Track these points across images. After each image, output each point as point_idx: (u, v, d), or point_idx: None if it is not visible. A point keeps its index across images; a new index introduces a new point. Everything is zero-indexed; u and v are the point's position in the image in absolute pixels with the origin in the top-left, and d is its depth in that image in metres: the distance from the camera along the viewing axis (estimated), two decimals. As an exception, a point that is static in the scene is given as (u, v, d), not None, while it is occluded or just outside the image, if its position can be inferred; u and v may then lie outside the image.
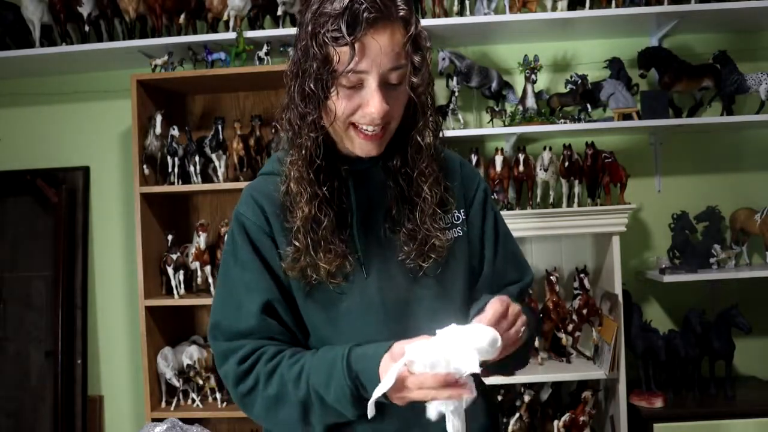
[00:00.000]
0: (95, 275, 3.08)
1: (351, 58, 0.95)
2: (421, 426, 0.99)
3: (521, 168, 2.65)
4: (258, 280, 1.09)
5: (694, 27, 2.80)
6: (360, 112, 1.01)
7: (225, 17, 2.73)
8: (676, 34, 2.84)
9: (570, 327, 2.63)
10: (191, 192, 2.88)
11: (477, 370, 0.88)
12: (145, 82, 2.69)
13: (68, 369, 2.95)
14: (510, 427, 2.56)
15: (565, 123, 2.69)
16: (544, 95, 2.79)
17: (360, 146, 1.04)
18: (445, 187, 1.13)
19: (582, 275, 2.65)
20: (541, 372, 2.55)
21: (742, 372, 2.88)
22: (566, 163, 2.63)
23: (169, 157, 2.69)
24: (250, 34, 2.72)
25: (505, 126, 2.71)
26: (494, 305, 0.98)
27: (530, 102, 2.70)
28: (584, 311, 2.61)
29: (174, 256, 2.68)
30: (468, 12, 2.73)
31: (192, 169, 2.72)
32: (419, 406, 0.95)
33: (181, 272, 2.70)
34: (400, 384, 0.91)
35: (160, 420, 1.71)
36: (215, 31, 2.81)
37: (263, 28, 2.79)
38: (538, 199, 2.78)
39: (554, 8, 2.70)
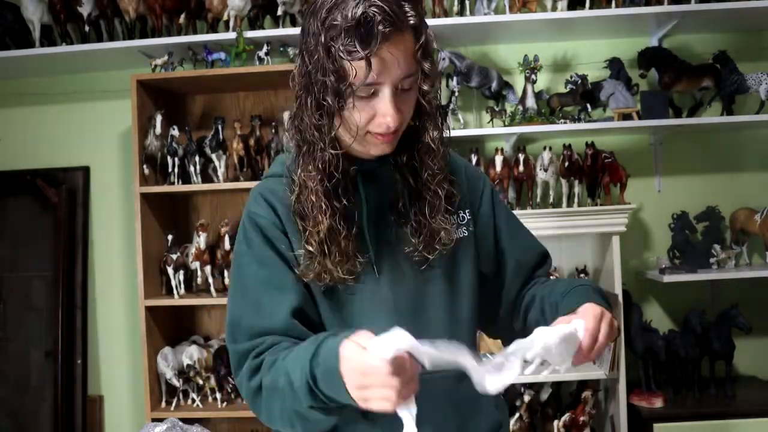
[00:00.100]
0: (95, 275, 3.08)
1: (367, 73, 0.95)
2: None
3: (521, 168, 2.65)
4: (280, 276, 1.07)
5: (694, 27, 2.80)
6: (375, 121, 1.01)
7: (225, 17, 2.73)
8: (676, 34, 2.84)
9: (570, 327, 2.62)
10: (191, 192, 2.88)
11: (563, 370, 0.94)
12: (145, 82, 2.69)
13: (68, 369, 2.94)
14: (510, 427, 2.56)
15: (565, 123, 2.69)
16: (544, 95, 2.79)
17: (375, 148, 1.05)
18: (451, 182, 1.14)
19: (582, 275, 2.65)
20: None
21: (742, 372, 2.88)
22: (566, 163, 2.63)
23: (169, 157, 2.69)
24: (250, 34, 2.72)
25: (505, 126, 2.72)
26: (590, 322, 0.99)
27: (530, 102, 2.70)
28: (584, 311, 2.61)
29: (174, 256, 2.68)
30: (468, 12, 2.74)
31: (192, 169, 2.72)
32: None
33: (181, 272, 2.70)
34: (372, 371, 0.86)
35: (160, 420, 1.71)
36: (215, 31, 2.81)
37: (263, 28, 2.79)
38: (538, 199, 2.78)
39: (554, 8, 2.70)
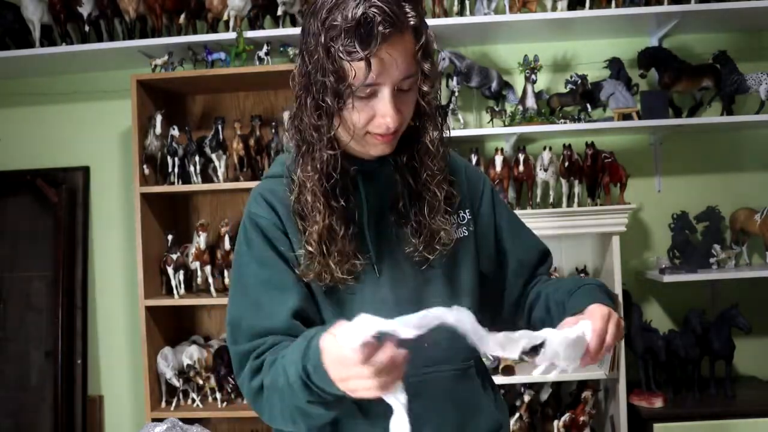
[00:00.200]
0: (95, 275, 3.08)
1: (366, 74, 0.95)
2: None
3: (521, 168, 2.65)
4: (280, 277, 1.07)
5: (694, 27, 2.80)
6: (374, 122, 1.01)
7: (225, 17, 2.73)
8: (676, 34, 2.84)
9: (570, 327, 2.62)
10: (191, 192, 2.88)
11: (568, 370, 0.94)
12: (145, 82, 2.69)
13: (68, 369, 2.94)
14: (510, 427, 2.56)
15: (565, 123, 2.69)
16: (544, 95, 2.79)
17: (375, 148, 1.05)
18: (451, 183, 1.14)
19: (582, 275, 2.65)
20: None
21: (742, 372, 2.88)
22: (566, 163, 2.63)
23: (169, 157, 2.69)
24: (250, 34, 2.72)
25: (505, 126, 2.71)
26: (596, 323, 0.98)
27: (530, 102, 2.70)
28: (584, 311, 2.61)
29: (174, 256, 2.68)
30: (468, 12, 2.74)
31: (192, 169, 2.72)
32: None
33: (181, 272, 2.70)
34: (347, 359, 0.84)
35: (160, 420, 1.71)
36: (215, 31, 2.81)
37: (263, 28, 2.79)
38: (538, 199, 2.78)
39: (554, 8, 2.70)
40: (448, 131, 1.13)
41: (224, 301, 2.49)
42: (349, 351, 0.83)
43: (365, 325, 0.83)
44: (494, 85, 2.78)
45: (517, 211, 2.56)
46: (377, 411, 0.97)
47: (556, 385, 2.70)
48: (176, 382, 2.64)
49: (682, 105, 2.85)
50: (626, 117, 2.68)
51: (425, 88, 1.04)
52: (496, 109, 2.77)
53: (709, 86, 2.74)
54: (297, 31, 2.25)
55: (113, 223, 3.07)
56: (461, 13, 2.75)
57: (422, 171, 1.10)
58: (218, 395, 2.68)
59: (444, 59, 2.69)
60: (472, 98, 2.93)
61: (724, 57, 2.71)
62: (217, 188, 2.73)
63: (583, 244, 2.84)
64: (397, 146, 1.08)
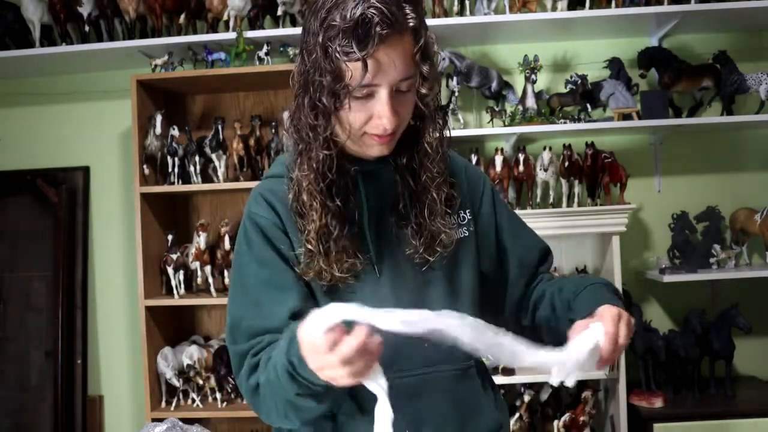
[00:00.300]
0: (95, 275, 3.08)
1: (363, 75, 0.95)
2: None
3: (521, 168, 2.65)
4: (280, 276, 1.07)
5: (694, 27, 2.80)
6: (371, 123, 1.01)
7: (225, 17, 2.73)
8: (676, 34, 2.84)
9: (570, 327, 2.62)
10: (191, 192, 2.88)
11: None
12: (145, 82, 2.69)
13: (68, 369, 2.94)
14: (510, 427, 2.56)
15: (565, 123, 2.69)
16: (544, 95, 2.79)
17: (373, 149, 1.05)
18: (451, 184, 1.14)
19: (582, 275, 2.65)
20: (540, 371, 2.54)
21: (742, 372, 2.88)
22: (566, 163, 2.63)
23: (169, 157, 2.69)
24: (250, 34, 2.72)
25: (505, 126, 2.72)
26: (608, 324, 0.98)
27: (530, 102, 2.70)
28: (584, 311, 2.61)
29: (174, 256, 2.68)
30: (468, 12, 2.74)
31: (192, 169, 2.72)
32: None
33: (181, 272, 2.70)
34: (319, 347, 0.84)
35: (160, 420, 1.71)
36: (215, 31, 2.81)
37: (263, 28, 2.79)
38: (538, 199, 2.78)
39: (554, 8, 2.70)
40: (448, 132, 1.13)
41: (224, 301, 2.49)
42: (318, 339, 0.83)
43: (331, 313, 0.83)
44: (494, 85, 2.78)
45: (517, 211, 2.55)
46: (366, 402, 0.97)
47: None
48: (176, 382, 2.64)
49: (682, 105, 2.85)
50: (626, 117, 2.68)
51: (424, 91, 1.04)
52: (496, 109, 2.77)
53: (709, 86, 2.75)
54: (297, 31, 2.25)
55: (113, 223, 3.07)
56: (461, 13, 2.75)
57: (422, 173, 1.10)
58: (218, 395, 2.68)
59: (444, 59, 2.69)
60: (472, 98, 2.93)
61: (724, 57, 2.71)
62: (217, 188, 2.73)
63: (583, 244, 2.84)
64: (396, 147, 1.08)
